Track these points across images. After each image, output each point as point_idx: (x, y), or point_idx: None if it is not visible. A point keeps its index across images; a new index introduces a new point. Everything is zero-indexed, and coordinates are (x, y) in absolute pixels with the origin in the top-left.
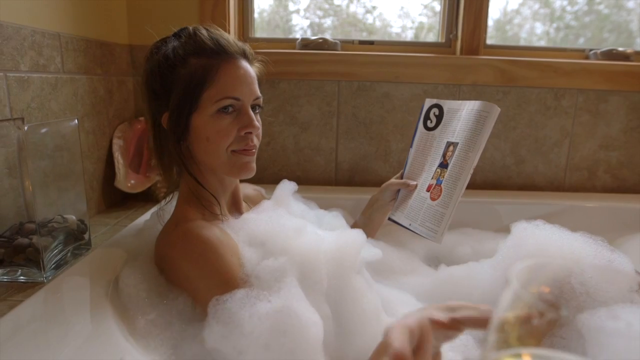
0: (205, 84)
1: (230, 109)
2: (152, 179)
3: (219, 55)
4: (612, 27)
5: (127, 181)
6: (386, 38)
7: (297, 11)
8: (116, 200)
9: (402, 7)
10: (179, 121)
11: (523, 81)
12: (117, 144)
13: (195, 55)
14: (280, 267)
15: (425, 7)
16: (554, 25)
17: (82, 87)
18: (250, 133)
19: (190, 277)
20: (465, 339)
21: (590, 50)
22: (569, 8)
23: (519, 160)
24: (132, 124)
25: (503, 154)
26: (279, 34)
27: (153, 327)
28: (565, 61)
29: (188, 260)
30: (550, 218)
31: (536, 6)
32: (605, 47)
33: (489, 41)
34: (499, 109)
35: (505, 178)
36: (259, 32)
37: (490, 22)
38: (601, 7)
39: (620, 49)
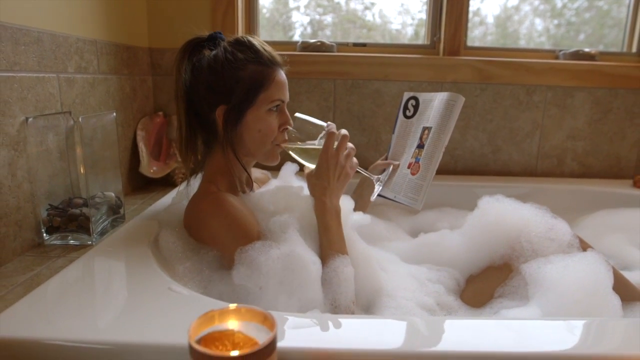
0: (263, 87)
1: (275, 109)
2: (171, 166)
3: (273, 65)
4: (612, 23)
5: (149, 167)
6: (386, 34)
7: (298, 8)
8: (140, 184)
9: (402, 4)
10: (238, 114)
11: (498, 79)
12: (140, 135)
13: (254, 63)
14: (285, 221)
15: (425, 3)
16: (555, 21)
17: (113, 85)
18: (287, 128)
19: (219, 233)
20: (437, 288)
21: (560, 51)
22: (569, 4)
23: (495, 149)
24: (152, 117)
25: (481, 143)
26: (278, 31)
27: (188, 272)
28: (536, 61)
29: (217, 219)
30: (523, 200)
31: (536, 2)
32: (573, 49)
33: (489, 38)
34: (463, 98)
35: (483, 165)
36: (260, 30)
37: (490, 19)
38: (601, 3)
39: (587, 49)
